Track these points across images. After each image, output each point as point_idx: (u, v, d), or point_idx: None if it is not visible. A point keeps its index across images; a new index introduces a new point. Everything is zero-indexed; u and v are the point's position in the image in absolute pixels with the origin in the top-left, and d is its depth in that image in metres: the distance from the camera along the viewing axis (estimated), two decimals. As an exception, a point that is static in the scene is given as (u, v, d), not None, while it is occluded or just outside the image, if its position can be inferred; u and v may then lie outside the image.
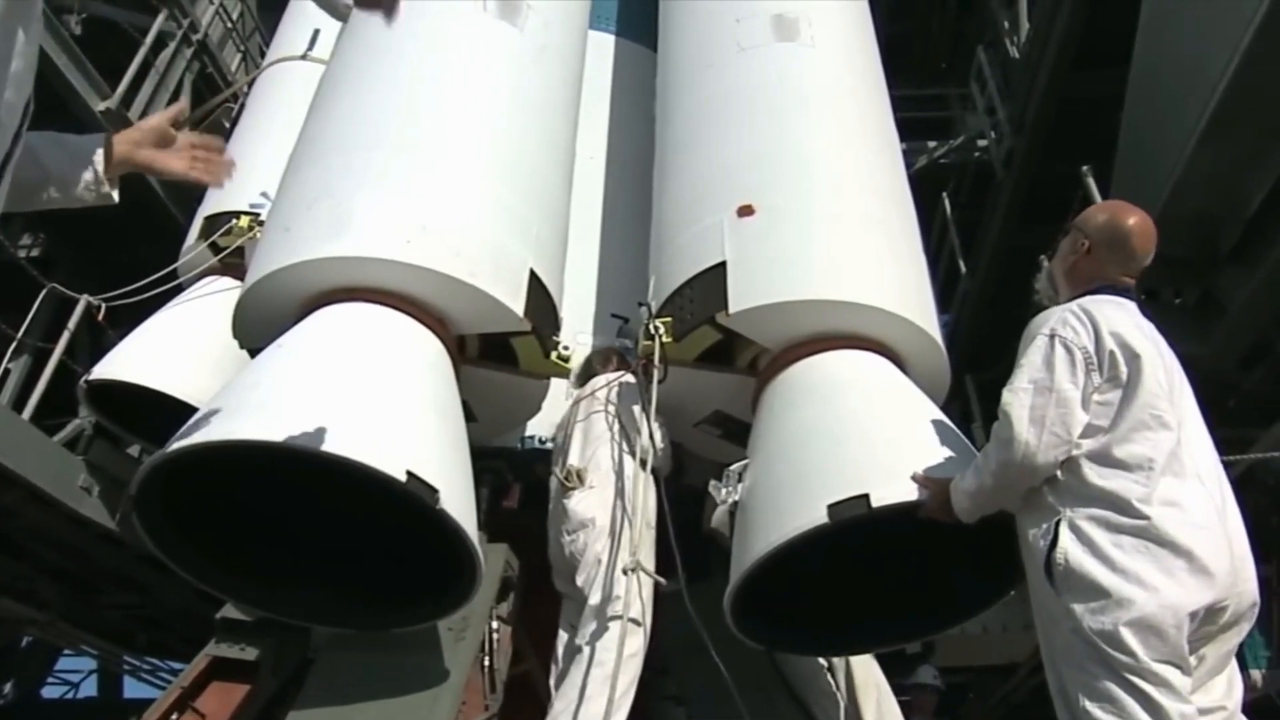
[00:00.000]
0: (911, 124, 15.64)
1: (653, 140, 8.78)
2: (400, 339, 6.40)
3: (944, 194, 15.85)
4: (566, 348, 7.30)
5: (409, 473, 5.31)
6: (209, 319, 9.92)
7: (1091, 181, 10.19)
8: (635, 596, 6.30)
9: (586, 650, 6.32)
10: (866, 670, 7.17)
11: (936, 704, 12.51)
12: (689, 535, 6.57)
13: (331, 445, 5.22)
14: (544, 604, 7.20)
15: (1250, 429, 10.61)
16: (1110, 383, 4.62)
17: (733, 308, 6.68)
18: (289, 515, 6.26)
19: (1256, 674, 10.85)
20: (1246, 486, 11.09)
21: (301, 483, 5.90)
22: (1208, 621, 4.30)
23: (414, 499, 5.36)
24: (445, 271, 6.52)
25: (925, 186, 13.97)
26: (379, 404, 5.79)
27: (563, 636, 6.79)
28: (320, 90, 8.08)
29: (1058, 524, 4.51)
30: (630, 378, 7.34)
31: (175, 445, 5.31)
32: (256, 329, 6.73)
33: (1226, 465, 4.86)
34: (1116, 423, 4.56)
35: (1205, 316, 10.70)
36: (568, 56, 8.96)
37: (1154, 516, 4.31)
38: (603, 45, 10.99)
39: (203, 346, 9.85)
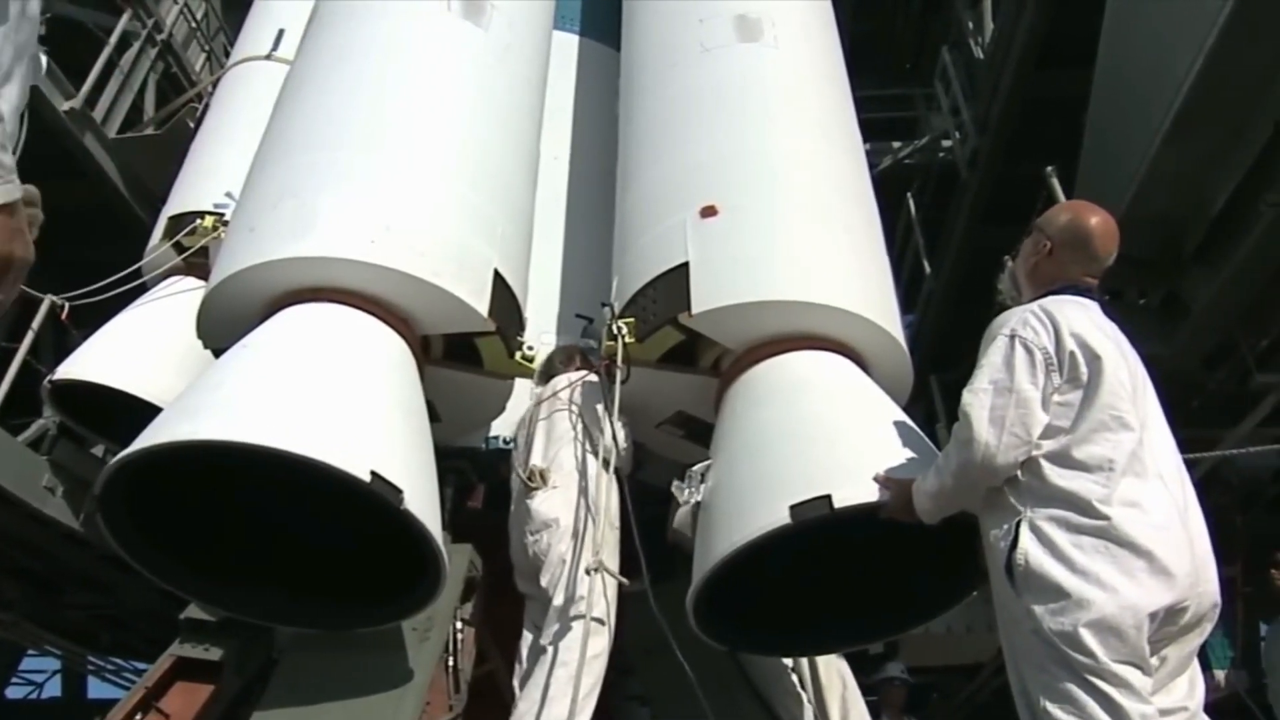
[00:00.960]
0: (876, 124, 15.73)
1: (616, 140, 8.78)
2: (365, 339, 6.40)
3: (909, 194, 15.89)
4: (531, 348, 7.30)
5: (373, 473, 5.32)
6: (173, 319, 9.89)
7: (1056, 182, 10.21)
8: (599, 597, 6.31)
9: (550, 651, 6.31)
10: (830, 665, 7.20)
11: (905, 698, 12.60)
12: (654, 535, 6.59)
13: (296, 445, 5.24)
14: (508, 604, 7.19)
15: (1214, 429, 10.68)
16: (1070, 383, 4.63)
17: (695, 308, 6.68)
18: (253, 515, 6.27)
19: (1220, 674, 10.90)
20: (1210, 486, 11.17)
21: (266, 483, 5.91)
22: (1168, 622, 4.30)
23: (378, 499, 5.37)
24: (409, 272, 6.53)
25: (890, 186, 13.98)
26: (343, 404, 5.80)
27: (527, 637, 6.76)
28: (285, 90, 8.09)
29: (1018, 524, 4.50)
30: (593, 377, 7.34)
31: (139, 445, 5.32)
32: (221, 329, 6.73)
33: (1190, 465, 4.89)
34: (1077, 424, 4.57)
35: (1169, 317, 10.75)
36: (532, 56, 8.97)
37: (1114, 517, 4.32)
38: (566, 45, 10.99)
39: (167, 346, 9.83)
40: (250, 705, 6.18)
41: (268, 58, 12.32)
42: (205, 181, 11.02)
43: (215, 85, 13.59)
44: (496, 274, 6.95)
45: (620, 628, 6.56)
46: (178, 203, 11.20)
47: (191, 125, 13.45)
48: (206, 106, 13.47)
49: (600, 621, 6.31)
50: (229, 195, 10.10)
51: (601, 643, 6.30)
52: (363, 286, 6.51)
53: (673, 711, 6.77)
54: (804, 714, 6.93)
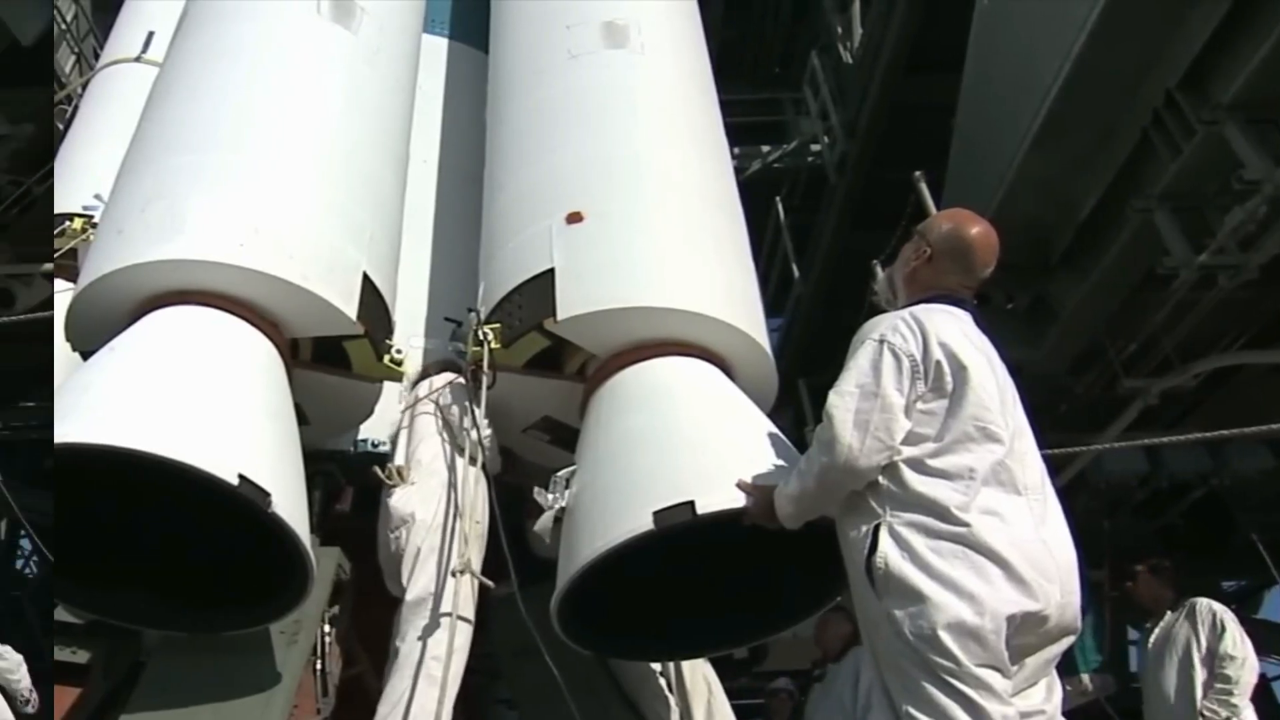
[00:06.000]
0: (745, 128, 15.82)
1: (485, 145, 8.82)
2: (232, 342, 6.38)
3: (777, 198, 15.96)
4: (399, 351, 7.28)
5: (241, 476, 5.34)
6: (41, 321, 9.84)
7: (924, 186, 10.28)
8: (465, 598, 6.35)
9: (413, 650, 6.34)
10: (695, 670, 7.27)
11: (791, 710, 12.86)
12: (524, 538, 6.63)
13: (163, 448, 5.23)
14: (376, 607, 7.19)
15: (1081, 433, 10.83)
16: (934, 392, 4.68)
17: (560, 314, 6.73)
18: (122, 518, 6.24)
19: (1086, 677, 11.05)
20: (1077, 491, 11.37)
21: (134, 486, 5.90)
22: (1027, 630, 4.37)
23: (246, 502, 5.40)
24: (277, 274, 6.50)
25: (758, 190, 14.09)
26: (211, 407, 5.79)
27: (394, 640, 6.80)
28: (154, 92, 8.02)
29: (877, 528, 4.54)
30: (460, 380, 7.37)
31: (5, 449, 5.32)
32: (89, 332, 6.66)
33: (1056, 469, 4.96)
34: (942, 433, 4.61)
35: (1036, 321, 10.92)
36: (401, 59, 8.95)
37: (973, 524, 4.36)
38: (436, 49, 11.04)
39: (35, 349, 9.78)
40: (118, 708, 6.15)
41: (137, 60, 12.22)
42: (74, 184, 10.92)
43: (84, 87, 13.46)
44: (365, 277, 6.95)
45: (487, 631, 6.61)
46: (48, 205, 11.12)
47: (61, 127, 13.33)
48: (75, 108, 13.36)
49: (466, 620, 6.37)
50: (98, 197, 10.00)
51: (460, 639, 6.33)
52: (231, 289, 6.48)
53: (541, 715, 6.82)
54: (671, 717, 7.00)
